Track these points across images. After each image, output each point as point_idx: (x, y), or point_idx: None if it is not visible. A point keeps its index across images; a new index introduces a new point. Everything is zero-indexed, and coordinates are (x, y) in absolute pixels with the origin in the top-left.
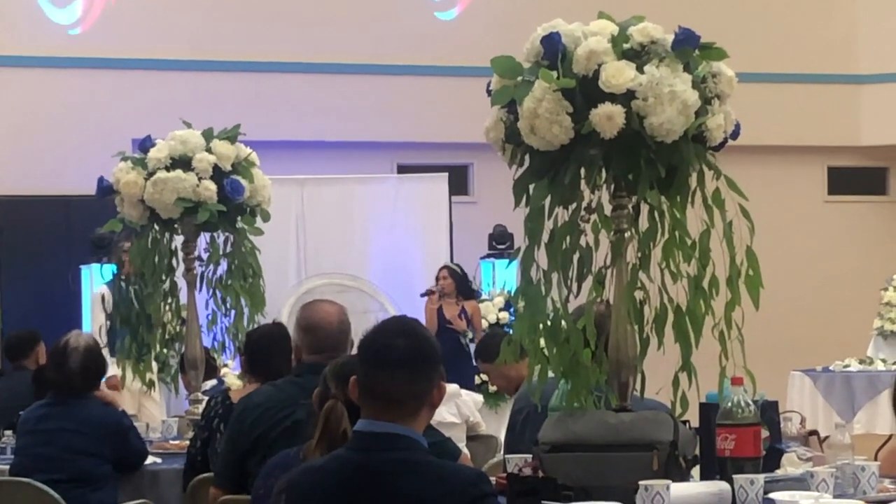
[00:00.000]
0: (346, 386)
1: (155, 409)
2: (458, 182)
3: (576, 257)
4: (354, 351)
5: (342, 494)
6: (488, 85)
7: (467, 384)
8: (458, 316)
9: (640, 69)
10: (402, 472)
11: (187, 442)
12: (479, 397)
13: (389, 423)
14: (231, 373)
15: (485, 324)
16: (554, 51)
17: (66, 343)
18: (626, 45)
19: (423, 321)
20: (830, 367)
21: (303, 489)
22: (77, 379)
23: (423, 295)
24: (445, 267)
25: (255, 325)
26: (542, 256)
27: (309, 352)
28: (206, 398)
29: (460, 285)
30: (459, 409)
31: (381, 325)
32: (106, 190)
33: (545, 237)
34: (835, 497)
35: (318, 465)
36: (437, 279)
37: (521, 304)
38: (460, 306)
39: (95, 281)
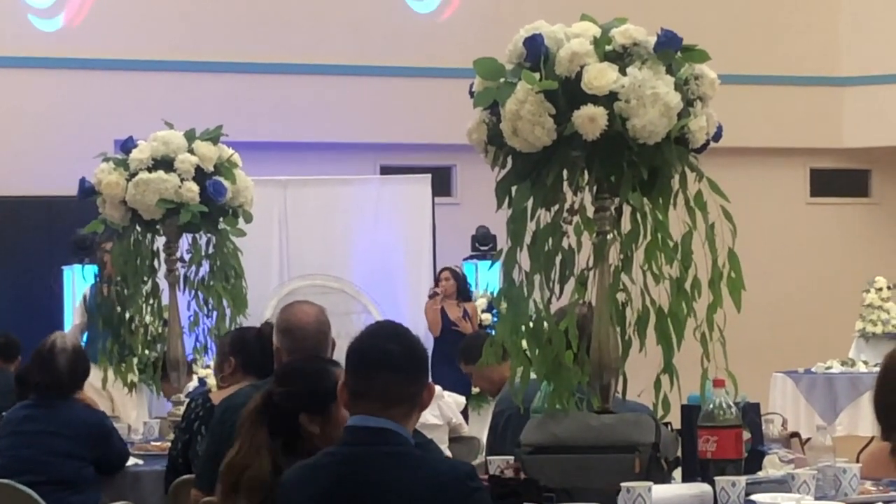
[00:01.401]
0: (279, 383)
1: (127, 413)
2: (441, 183)
3: (558, 259)
4: (338, 351)
5: (337, 488)
6: (471, 86)
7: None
8: (461, 317)
9: (622, 71)
10: (397, 465)
11: (169, 444)
12: (462, 399)
13: (384, 419)
14: (213, 374)
15: None
16: (536, 52)
17: (52, 344)
18: (608, 47)
19: (407, 322)
20: (812, 369)
21: (295, 486)
22: (65, 379)
23: (430, 297)
24: (447, 269)
25: (237, 326)
26: (524, 258)
27: (288, 354)
28: (188, 399)
29: (461, 287)
30: (442, 411)
31: (372, 330)
32: (88, 191)
33: (528, 239)
34: (816, 499)
35: (310, 462)
36: (438, 281)
37: (504, 305)
38: (462, 308)
39: (77, 282)
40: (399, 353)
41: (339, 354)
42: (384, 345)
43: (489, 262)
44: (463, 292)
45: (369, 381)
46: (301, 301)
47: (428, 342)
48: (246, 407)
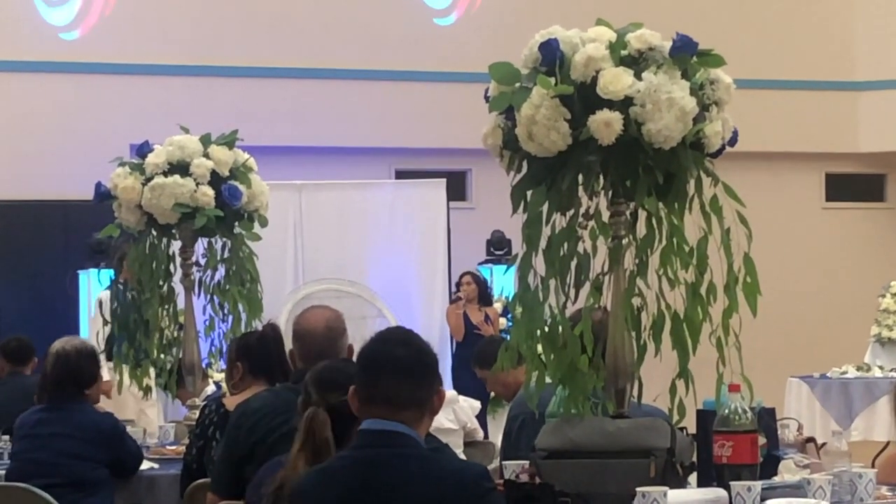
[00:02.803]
0: (327, 392)
1: (153, 415)
2: (456, 188)
3: (573, 264)
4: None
5: (351, 492)
6: (486, 91)
7: None
8: (483, 321)
9: (637, 76)
10: (411, 467)
11: (184, 448)
12: (477, 403)
13: (395, 422)
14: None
15: None
16: (552, 57)
17: (50, 348)
18: (623, 52)
19: (421, 326)
20: (828, 374)
21: (311, 491)
22: (49, 382)
23: (452, 302)
24: (469, 273)
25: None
26: (539, 263)
27: (300, 358)
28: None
29: (482, 291)
30: (457, 416)
31: (381, 336)
32: (103, 195)
33: (543, 243)
34: None
35: (323, 467)
36: (460, 285)
37: (519, 310)
38: (483, 312)
39: (93, 286)
40: (407, 358)
41: None
42: (392, 350)
43: (504, 267)
44: (484, 296)
45: (378, 385)
46: (317, 306)
47: (444, 347)
48: (308, 426)
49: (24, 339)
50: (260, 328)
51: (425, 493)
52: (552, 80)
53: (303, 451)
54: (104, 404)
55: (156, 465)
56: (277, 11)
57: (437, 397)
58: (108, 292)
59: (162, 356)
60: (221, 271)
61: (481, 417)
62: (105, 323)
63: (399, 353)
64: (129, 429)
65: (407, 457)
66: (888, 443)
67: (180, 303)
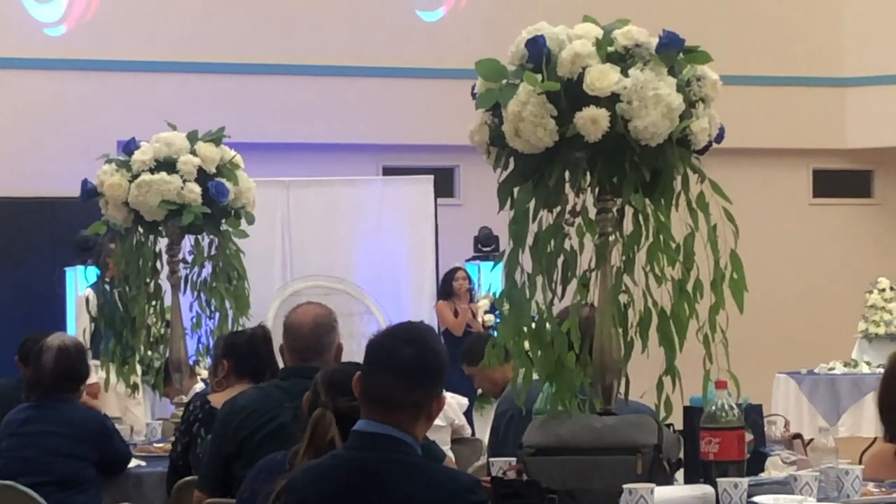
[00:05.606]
0: (337, 394)
1: (139, 413)
2: (444, 184)
3: (560, 260)
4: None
5: (341, 492)
6: (473, 88)
7: None
8: (472, 318)
9: (624, 72)
10: (400, 473)
11: (171, 445)
12: (465, 400)
13: (387, 425)
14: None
15: None
16: (538, 54)
17: (43, 343)
18: (610, 49)
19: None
20: (815, 370)
21: (302, 487)
22: (48, 378)
23: (448, 298)
24: (462, 268)
25: (240, 328)
26: (526, 259)
27: (290, 354)
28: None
29: (471, 287)
30: (444, 412)
31: (391, 330)
32: (90, 192)
33: (530, 240)
34: (818, 500)
35: (316, 463)
36: (454, 280)
37: (506, 307)
38: (470, 308)
39: (80, 283)
40: (409, 359)
41: (346, 357)
42: (397, 347)
43: (492, 264)
44: (471, 293)
45: (374, 381)
46: (310, 302)
47: None
48: (314, 427)
49: (40, 338)
50: (247, 327)
51: (411, 501)
52: (539, 76)
53: (307, 452)
54: (87, 401)
55: (143, 463)
56: (264, 8)
57: (435, 403)
58: (92, 289)
59: (149, 353)
60: (208, 268)
61: (469, 414)
62: (91, 320)
63: (402, 352)
64: (116, 426)
65: (396, 462)
66: (875, 439)
67: (167, 300)
